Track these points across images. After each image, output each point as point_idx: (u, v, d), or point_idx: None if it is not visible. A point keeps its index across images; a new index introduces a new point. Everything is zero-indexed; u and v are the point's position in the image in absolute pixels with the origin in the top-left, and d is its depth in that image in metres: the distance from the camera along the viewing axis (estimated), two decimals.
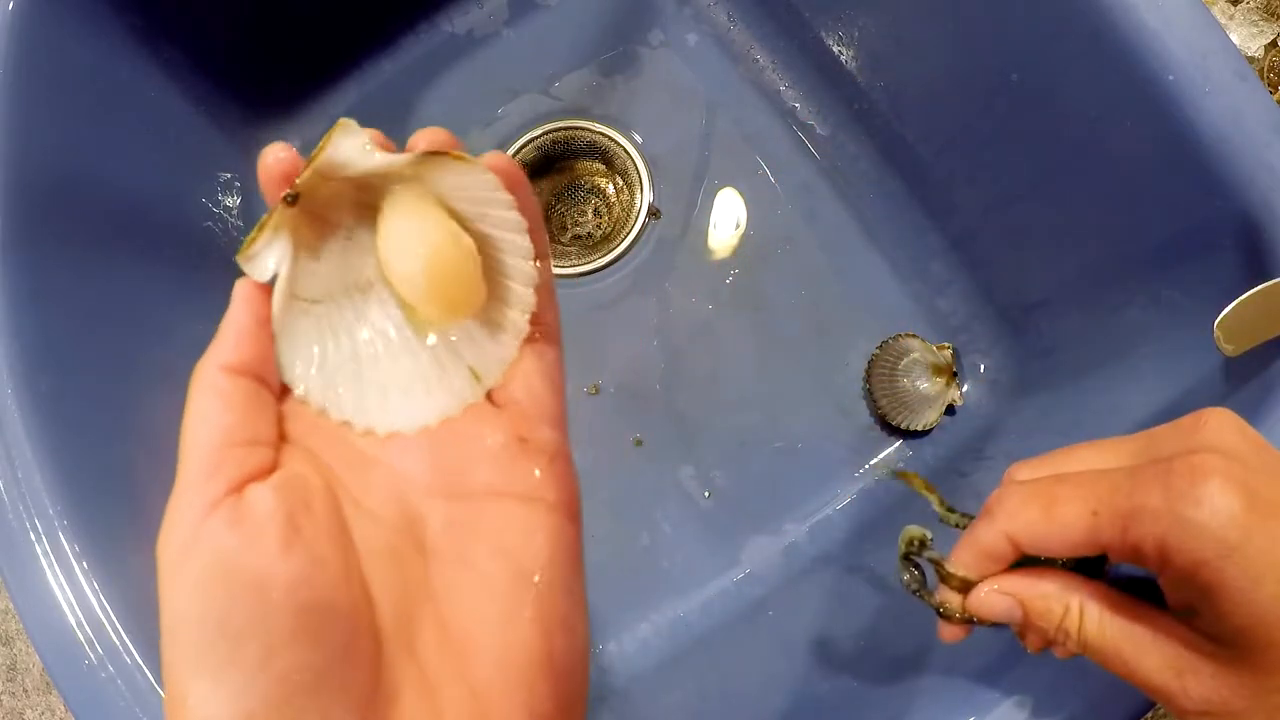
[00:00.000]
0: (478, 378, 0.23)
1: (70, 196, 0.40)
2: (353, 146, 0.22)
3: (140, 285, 0.43)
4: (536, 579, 0.22)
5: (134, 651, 0.32)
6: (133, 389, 0.40)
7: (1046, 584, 0.27)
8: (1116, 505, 0.24)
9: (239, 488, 0.20)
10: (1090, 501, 0.25)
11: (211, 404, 0.21)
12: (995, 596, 0.27)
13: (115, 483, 0.36)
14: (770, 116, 0.54)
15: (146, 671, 0.32)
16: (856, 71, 0.51)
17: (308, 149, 0.22)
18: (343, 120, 0.22)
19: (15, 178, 0.37)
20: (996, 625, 0.28)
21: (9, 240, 0.36)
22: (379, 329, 0.24)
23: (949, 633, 0.29)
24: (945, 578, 0.28)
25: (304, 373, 0.23)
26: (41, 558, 0.33)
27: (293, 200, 0.22)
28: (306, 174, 0.22)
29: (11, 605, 0.38)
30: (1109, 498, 0.24)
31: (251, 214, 0.53)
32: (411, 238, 0.22)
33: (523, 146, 0.54)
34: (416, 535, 0.22)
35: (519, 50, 0.55)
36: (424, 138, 0.22)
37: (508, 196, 0.23)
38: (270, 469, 0.21)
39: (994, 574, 0.27)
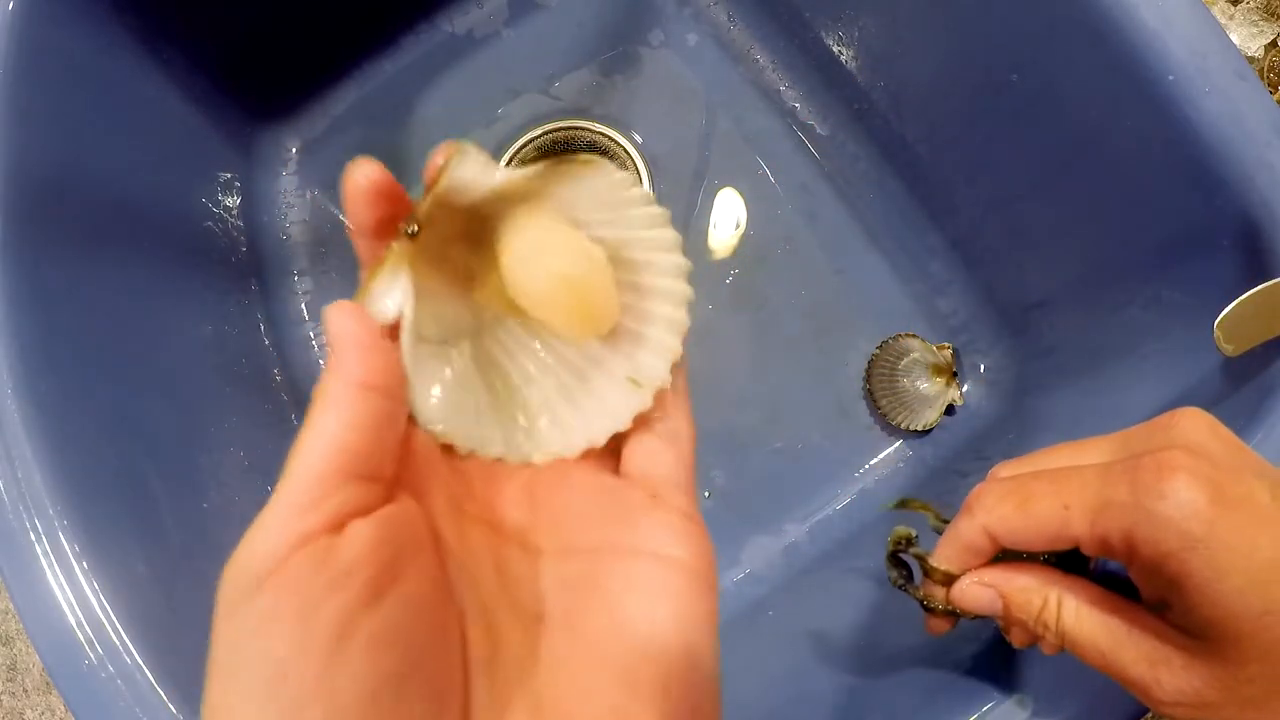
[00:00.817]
0: (637, 384, 0.21)
1: (70, 196, 0.40)
2: (474, 169, 0.20)
3: (140, 285, 0.43)
4: (660, 655, 0.18)
5: (134, 651, 0.32)
6: (133, 389, 0.40)
7: (1025, 577, 0.27)
8: (1086, 499, 0.25)
9: (340, 525, 0.18)
10: (1062, 496, 0.25)
11: (337, 420, 0.18)
12: (976, 588, 0.28)
13: (115, 483, 0.36)
14: (770, 116, 0.54)
15: (146, 671, 0.32)
16: (856, 71, 0.51)
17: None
18: (461, 144, 0.20)
19: (15, 177, 0.37)
20: (979, 617, 0.29)
21: (9, 240, 0.36)
22: (515, 360, 0.22)
23: (934, 625, 0.30)
24: (929, 572, 0.29)
25: (444, 415, 0.21)
26: (41, 558, 0.33)
27: (415, 233, 0.20)
28: (426, 203, 0.20)
29: (11, 605, 0.38)
30: (1079, 492, 0.25)
31: (251, 214, 0.53)
32: (539, 256, 0.21)
33: (523, 146, 0.54)
34: (514, 597, 0.19)
35: (519, 50, 0.55)
36: (442, 153, 0.20)
37: (643, 193, 0.21)
38: (378, 505, 0.18)
39: (975, 567, 0.28)
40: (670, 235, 0.22)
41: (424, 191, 0.20)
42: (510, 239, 0.21)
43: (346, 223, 0.21)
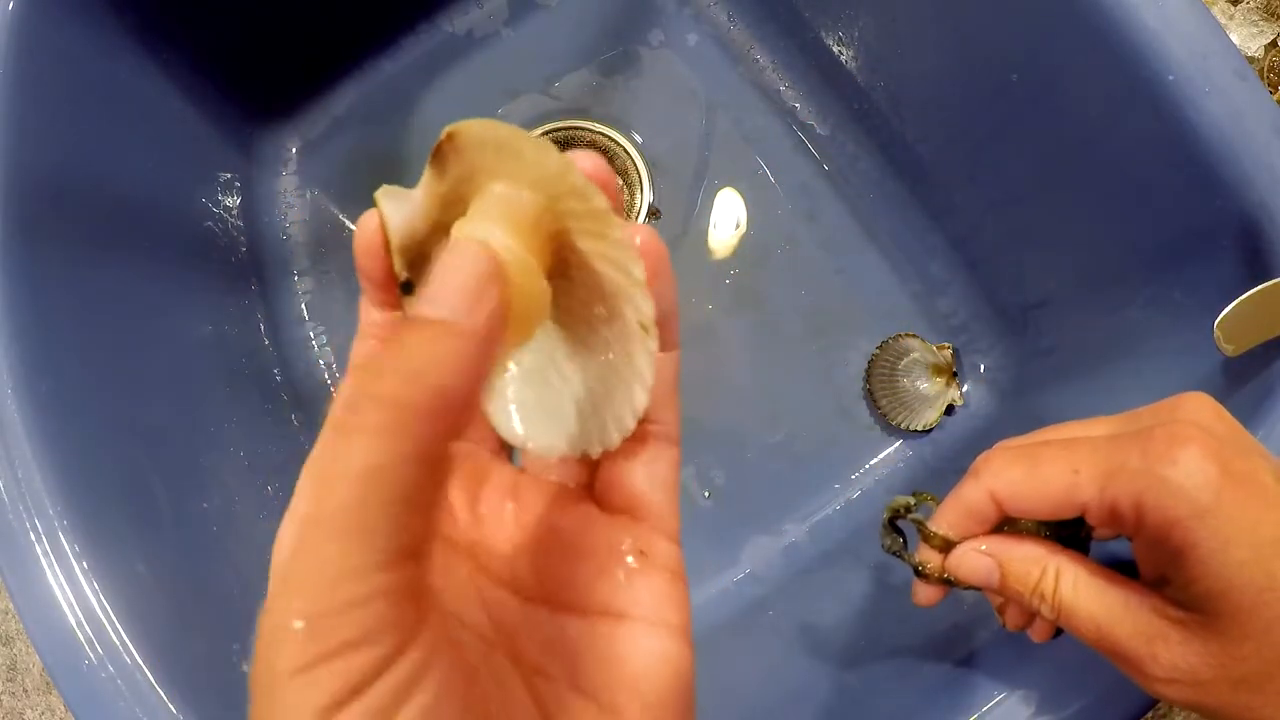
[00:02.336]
0: (645, 329, 0.20)
1: (70, 197, 0.40)
2: (394, 205, 0.19)
3: (140, 285, 0.43)
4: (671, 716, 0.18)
5: (134, 651, 0.32)
6: (133, 390, 0.40)
7: (1025, 547, 0.27)
8: (1096, 464, 0.25)
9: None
10: (1072, 461, 0.25)
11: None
12: (975, 556, 0.28)
13: (115, 483, 0.36)
14: (770, 116, 0.54)
15: (146, 671, 0.32)
16: (856, 71, 0.51)
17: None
18: (379, 191, 0.19)
19: (15, 178, 0.37)
20: (972, 588, 0.29)
21: (9, 240, 0.36)
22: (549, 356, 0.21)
23: (924, 594, 0.30)
24: (927, 536, 0.29)
25: (526, 427, 0.20)
26: (41, 558, 0.33)
27: (409, 289, 0.20)
28: (396, 261, 0.20)
29: (11, 605, 0.38)
30: (1090, 457, 0.25)
31: (251, 214, 0.53)
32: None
33: None
34: (513, 647, 0.19)
35: (519, 50, 0.55)
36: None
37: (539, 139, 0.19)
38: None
39: (975, 535, 0.28)
40: (575, 176, 0.19)
41: (386, 253, 0.20)
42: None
43: (360, 276, 0.20)
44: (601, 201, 0.18)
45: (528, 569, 0.20)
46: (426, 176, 0.19)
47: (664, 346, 0.20)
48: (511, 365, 0.22)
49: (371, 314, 0.20)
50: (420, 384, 0.14)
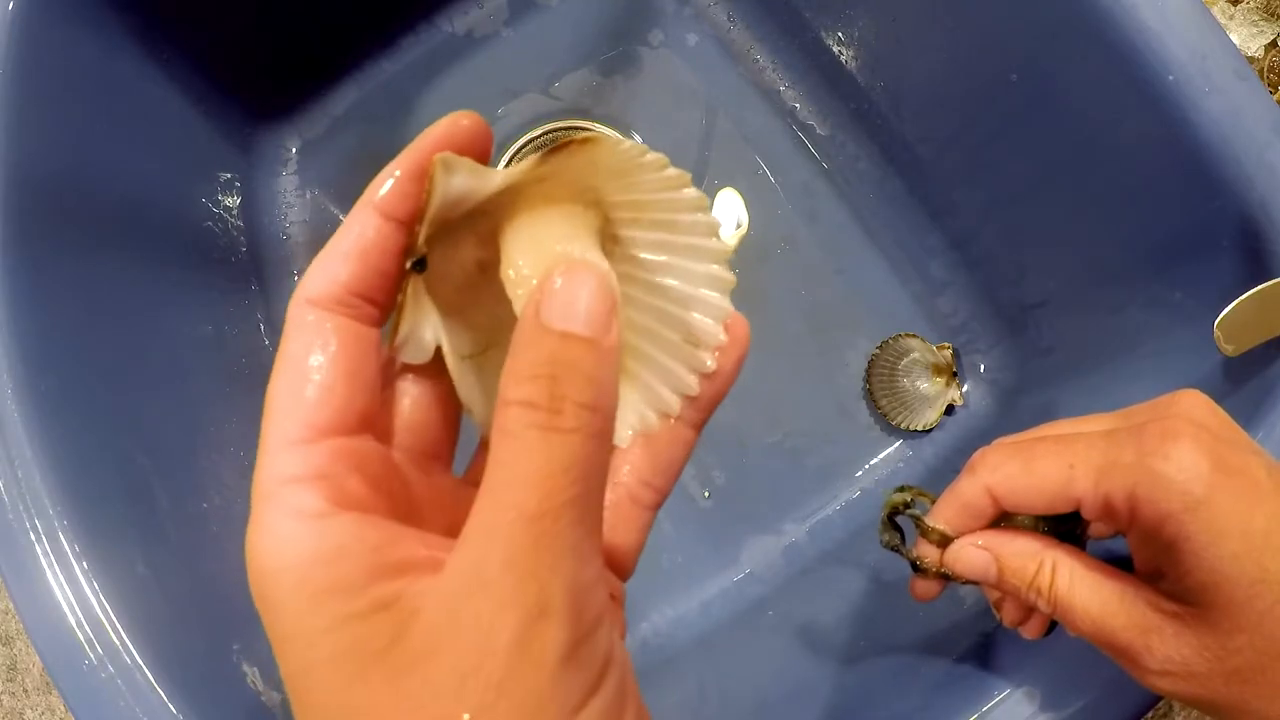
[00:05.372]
0: (694, 345, 0.22)
1: (70, 196, 0.40)
2: (461, 179, 0.18)
3: (140, 285, 0.43)
4: None
5: (134, 651, 0.32)
6: (133, 389, 0.40)
7: (1021, 541, 0.28)
8: (1091, 459, 0.25)
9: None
10: (1067, 456, 0.26)
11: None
12: (972, 550, 0.28)
13: (115, 483, 0.36)
14: (770, 116, 0.54)
15: (146, 671, 0.32)
16: (856, 71, 0.51)
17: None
18: (442, 156, 0.18)
19: (15, 177, 0.37)
20: (970, 583, 0.29)
21: (9, 240, 0.36)
22: None
23: (922, 589, 0.30)
24: (925, 532, 0.29)
25: None
26: (41, 558, 0.33)
27: (420, 265, 0.19)
28: (423, 231, 0.18)
29: (11, 605, 0.38)
30: (1085, 452, 0.25)
31: (251, 214, 0.53)
32: (515, 273, 0.19)
33: (523, 146, 0.54)
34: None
35: (519, 50, 0.55)
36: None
37: (657, 157, 0.19)
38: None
39: (972, 530, 0.28)
40: (694, 194, 0.20)
41: (418, 215, 0.19)
42: (504, 247, 0.20)
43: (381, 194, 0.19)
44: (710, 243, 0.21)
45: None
46: (528, 163, 0.19)
47: (692, 422, 0.22)
48: None
49: (367, 226, 0.19)
50: (608, 392, 0.16)
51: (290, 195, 0.54)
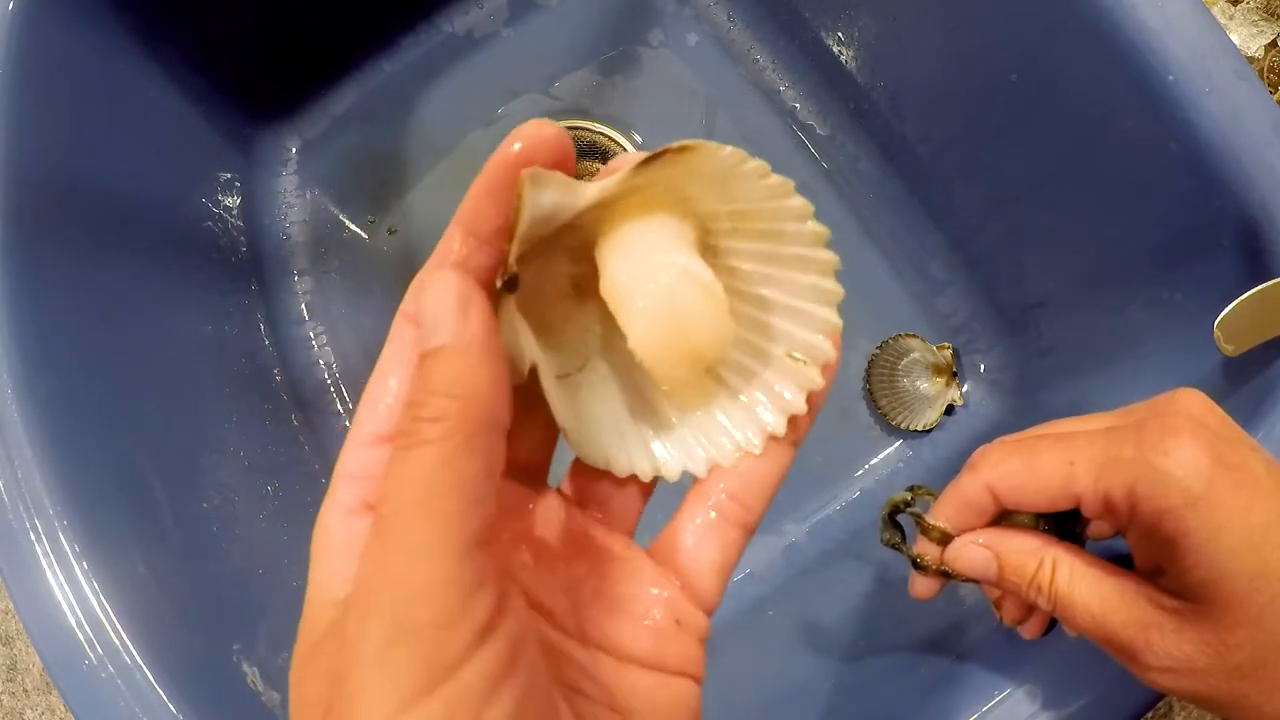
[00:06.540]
0: (798, 360, 0.21)
1: (70, 196, 0.40)
2: (552, 194, 0.18)
3: (141, 285, 0.43)
4: None
5: (134, 651, 0.32)
6: (133, 389, 0.40)
7: (1022, 539, 0.28)
8: (1092, 456, 0.25)
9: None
10: (1068, 453, 0.26)
11: (478, 485, 0.16)
12: (973, 548, 0.28)
13: (115, 483, 0.36)
14: (770, 116, 0.54)
15: (146, 671, 0.32)
16: (856, 71, 0.51)
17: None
18: (532, 172, 0.17)
19: (15, 178, 0.37)
20: (970, 580, 0.29)
21: (9, 240, 0.36)
22: (638, 383, 0.21)
23: (921, 587, 0.30)
24: (926, 529, 0.29)
25: (633, 458, 0.21)
26: (41, 558, 0.33)
27: (512, 285, 0.18)
28: (514, 249, 0.18)
29: (11, 605, 0.38)
30: (1085, 449, 0.26)
31: (251, 214, 0.53)
32: (619, 288, 0.19)
33: None
34: (553, 669, 0.20)
35: (519, 50, 0.55)
36: (628, 159, 0.19)
37: (758, 164, 0.18)
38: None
39: (973, 528, 0.28)
40: (799, 203, 0.19)
41: (508, 234, 0.18)
42: (600, 261, 0.19)
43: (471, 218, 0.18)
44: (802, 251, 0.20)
45: (566, 607, 0.21)
46: (622, 174, 0.18)
47: (794, 440, 0.23)
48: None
49: (455, 242, 0.19)
50: (455, 397, 0.17)
51: (290, 195, 0.54)
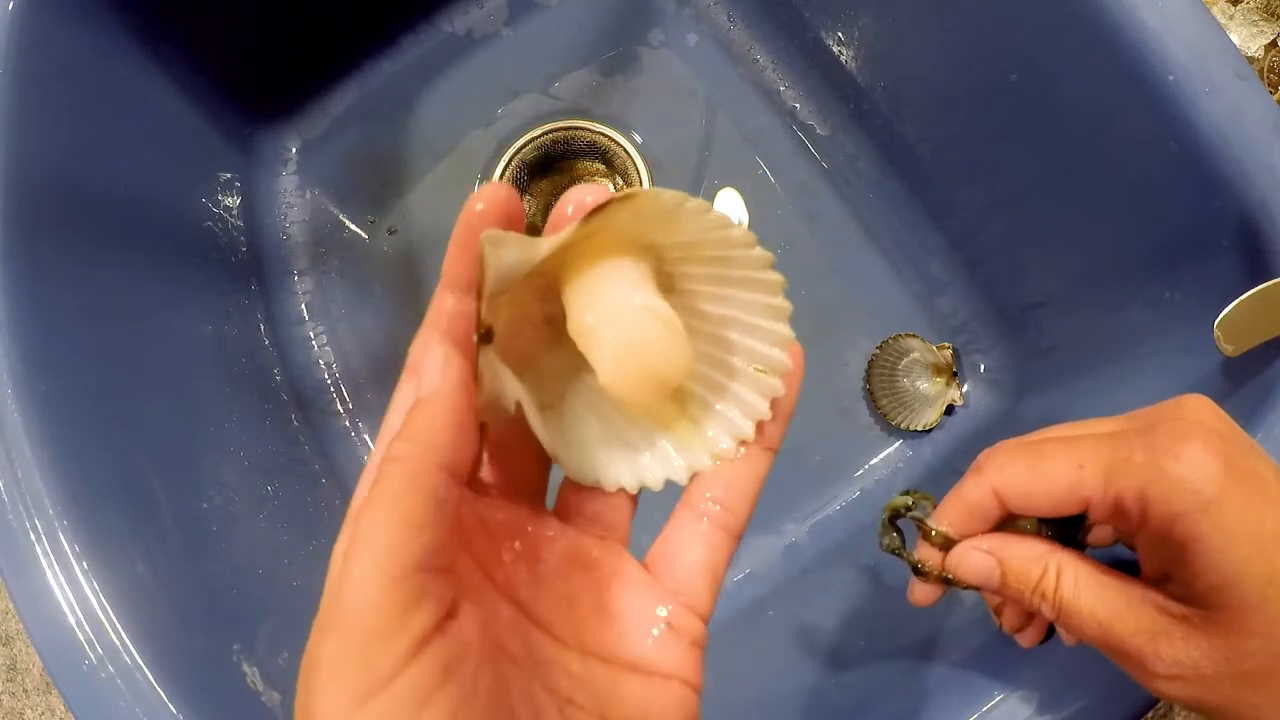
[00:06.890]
0: (764, 373, 0.23)
1: (70, 197, 0.40)
2: (511, 253, 0.19)
3: (140, 285, 0.43)
4: None
5: (134, 651, 0.32)
6: (133, 389, 0.40)
7: (1025, 545, 0.27)
8: (1100, 458, 0.25)
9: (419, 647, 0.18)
10: (1076, 456, 0.25)
11: (420, 517, 0.18)
12: (976, 555, 0.28)
13: (115, 483, 0.36)
14: (770, 116, 0.54)
15: (146, 671, 0.32)
16: (856, 71, 0.51)
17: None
18: (484, 235, 0.19)
19: (15, 178, 0.37)
20: (971, 588, 0.28)
21: (9, 240, 0.36)
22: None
23: (921, 593, 0.30)
24: (928, 534, 0.28)
25: (620, 473, 0.23)
26: (41, 558, 0.33)
27: (488, 338, 0.20)
28: (484, 307, 0.20)
29: (11, 605, 0.38)
30: (1093, 451, 0.25)
31: (251, 214, 0.53)
32: (585, 330, 0.21)
33: (523, 146, 0.54)
34: (546, 679, 0.21)
35: (519, 50, 0.55)
36: (573, 198, 0.21)
37: (725, 219, 0.21)
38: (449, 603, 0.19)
39: (975, 534, 0.28)
40: (741, 232, 0.21)
41: (476, 294, 0.20)
42: (569, 305, 0.21)
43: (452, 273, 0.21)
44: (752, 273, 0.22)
45: (565, 619, 0.22)
46: (573, 226, 0.20)
47: (768, 445, 0.24)
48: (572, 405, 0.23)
49: (446, 301, 0.21)
50: (416, 442, 0.19)
51: (290, 195, 0.54)
